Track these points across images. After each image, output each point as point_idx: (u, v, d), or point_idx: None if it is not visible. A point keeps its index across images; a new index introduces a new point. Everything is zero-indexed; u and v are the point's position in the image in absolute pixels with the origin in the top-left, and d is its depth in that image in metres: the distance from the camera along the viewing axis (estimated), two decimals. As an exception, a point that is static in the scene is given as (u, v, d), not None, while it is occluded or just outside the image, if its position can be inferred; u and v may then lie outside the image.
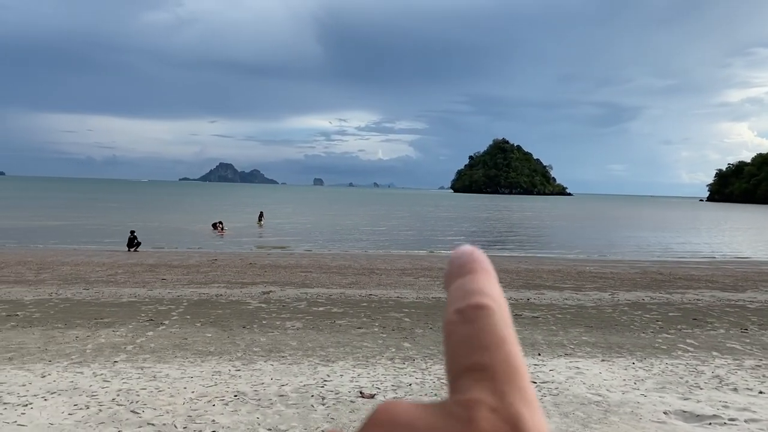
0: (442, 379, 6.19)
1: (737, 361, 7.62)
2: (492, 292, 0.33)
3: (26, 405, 5.44)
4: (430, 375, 6.65)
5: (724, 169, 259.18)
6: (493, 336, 0.31)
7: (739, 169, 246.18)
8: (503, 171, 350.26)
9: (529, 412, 0.28)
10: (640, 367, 7.22)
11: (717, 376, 6.88)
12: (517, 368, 0.30)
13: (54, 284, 12.71)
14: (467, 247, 0.35)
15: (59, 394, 5.74)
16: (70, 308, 10.11)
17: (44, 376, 6.29)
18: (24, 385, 5.98)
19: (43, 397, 5.64)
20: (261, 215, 39.25)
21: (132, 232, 22.12)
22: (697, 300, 12.54)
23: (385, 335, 8.61)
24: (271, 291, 12.28)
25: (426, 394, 6.02)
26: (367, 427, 0.29)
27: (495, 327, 0.31)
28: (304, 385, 6.17)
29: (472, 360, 0.30)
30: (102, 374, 6.43)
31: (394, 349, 7.79)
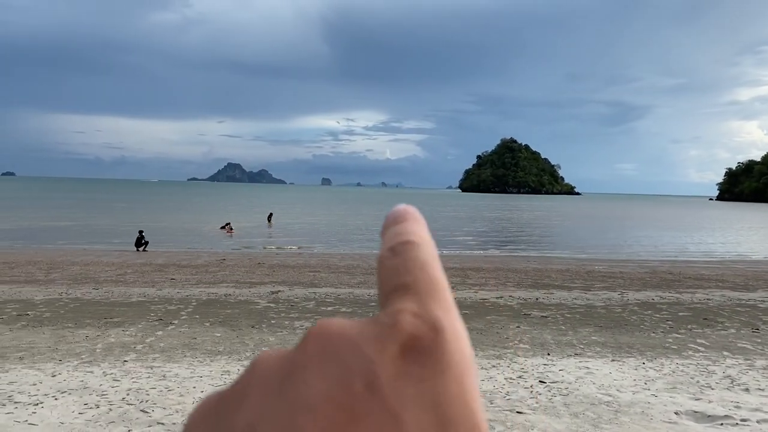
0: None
1: (749, 361, 7.56)
2: (420, 232, 0.36)
3: (37, 404, 5.48)
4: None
5: (734, 168, 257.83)
6: (418, 262, 0.34)
7: (749, 167, 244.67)
8: (511, 170, 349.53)
9: (447, 317, 0.32)
10: (650, 367, 7.17)
11: (728, 376, 6.83)
12: (439, 286, 0.33)
13: (64, 284, 12.80)
14: (401, 205, 0.38)
15: (69, 394, 5.77)
16: (80, 308, 10.17)
17: (55, 376, 6.33)
18: (35, 385, 6.02)
19: (53, 397, 5.68)
20: (270, 216, 39.83)
21: (140, 231, 22.24)
22: (708, 300, 12.45)
23: (393, 335, 8.59)
24: (279, 291, 12.31)
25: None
26: (303, 340, 0.32)
27: (419, 255, 0.34)
28: (313, 385, 6.17)
29: (398, 282, 0.33)
30: (112, 373, 6.46)
31: (402, 349, 7.77)
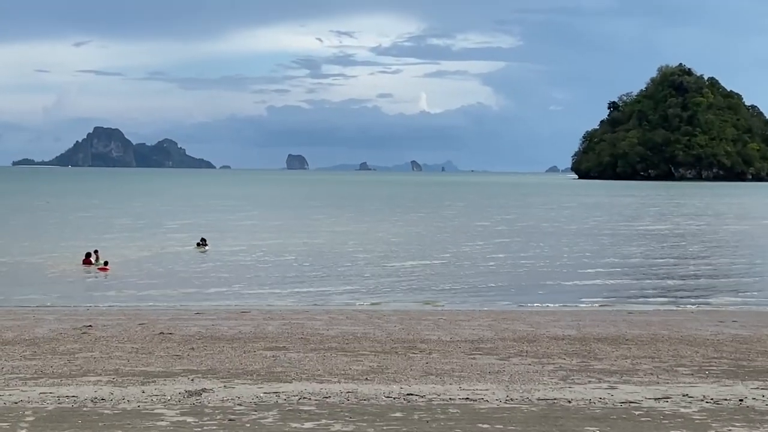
0: None
1: None
2: None
3: None
4: None
5: None
6: None
7: None
8: (680, 133, 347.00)
9: None
10: None
11: None
12: None
13: None
14: None
15: None
16: None
17: None
18: None
19: None
20: (203, 242, 41.01)
21: None
22: None
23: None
24: (204, 390, 12.33)
25: None
26: None
27: None
28: None
29: None
30: None
31: None
